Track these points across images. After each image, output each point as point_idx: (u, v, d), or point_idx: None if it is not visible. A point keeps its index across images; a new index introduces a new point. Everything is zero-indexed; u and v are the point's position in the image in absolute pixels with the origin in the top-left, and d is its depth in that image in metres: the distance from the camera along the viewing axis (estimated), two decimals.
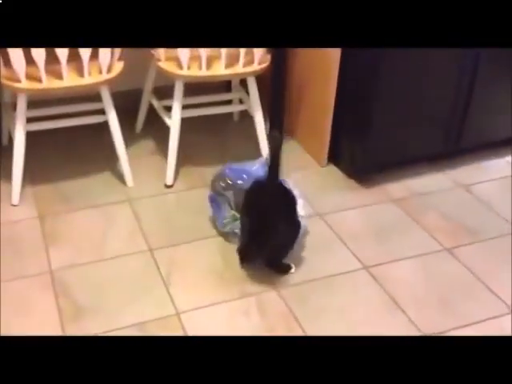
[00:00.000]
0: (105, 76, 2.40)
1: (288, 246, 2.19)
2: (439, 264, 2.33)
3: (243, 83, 2.83)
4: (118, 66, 2.44)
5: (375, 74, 2.51)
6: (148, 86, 2.86)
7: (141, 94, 2.91)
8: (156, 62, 2.54)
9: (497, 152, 2.99)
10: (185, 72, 2.47)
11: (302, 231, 2.23)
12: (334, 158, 2.84)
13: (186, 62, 2.44)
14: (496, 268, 2.32)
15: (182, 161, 2.74)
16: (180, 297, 2.12)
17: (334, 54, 2.59)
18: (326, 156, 2.83)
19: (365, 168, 2.73)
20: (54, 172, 2.69)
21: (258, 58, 2.52)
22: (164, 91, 2.78)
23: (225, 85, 3.06)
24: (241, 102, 2.98)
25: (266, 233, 2.07)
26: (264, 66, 2.58)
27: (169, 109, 2.63)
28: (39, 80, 2.30)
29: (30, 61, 2.23)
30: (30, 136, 2.47)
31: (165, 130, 2.64)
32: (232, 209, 2.33)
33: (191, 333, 1.98)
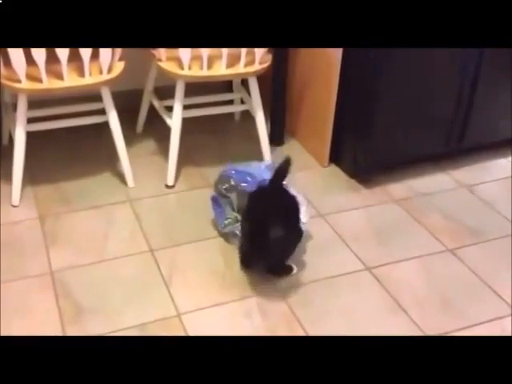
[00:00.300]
0: (105, 76, 2.39)
1: (289, 252, 2.18)
2: (442, 265, 2.32)
3: (244, 83, 2.82)
4: (119, 66, 2.44)
5: (377, 74, 2.50)
6: (149, 86, 2.86)
7: (142, 94, 2.91)
8: (157, 62, 2.53)
9: (499, 152, 2.98)
10: (186, 72, 2.46)
11: (303, 237, 2.22)
12: (336, 158, 2.83)
13: (187, 62, 2.43)
14: (499, 269, 2.30)
15: (182, 161, 2.73)
16: (181, 298, 2.11)
17: (335, 54, 2.58)
18: (327, 156, 2.82)
19: (367, 168, 2.72)
20: (54, 172, 2.68)
21: (259, 58, 2.51)
22: (165, 91, 2.77)
23: (226, 85, 3.05)
24: (242, 102, 2.97)
25: (267, 238, 2.05)
26: (265, 65, 2.57)
27: (170, 109, 2.62)
28: (40, 80, 2.29)
29: (30, 61, 2.22)
30: (31, 136, 2.46)
31: (166, 130, 2.63)
32: (234, 211, 2.32)
33: (192, 334, 1.97)
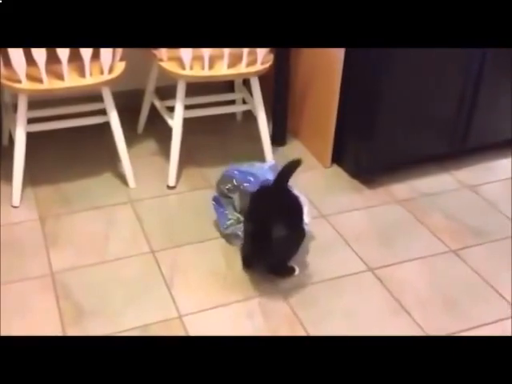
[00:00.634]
0: (106, 76, 2.38)
1: (291, 253, 2.17)
2: (445, 265, 2.31)
3: (246, 83, 2.81)
4: (120, 67, 2.43)
5: (379, 74, 2.49)
6: (150, 86, 2.85)
7: (143, 95, 2.90)
8: (158, 62, 2.52)
9: (502, 152, 2.97)
10: (187, 72, 2.45)
11: (306, 237, 2.21)
12: (338, 158, 2.82)
13: (189, 62, 2.42)
14: (502, 269, 2.29)
15: (184, 162, 2.72)
16: (182, 299, 2.10)
17: (337, 54, 2.57)
18: (330, 157, 2.81)
19: (369, 169, 2.70)
20: (54, 173, 2.67)
21: (261, 58, 2.50)
22: (166, 91, 2.76)
23: (227, 85, 3.04)
24: (244, 102, 2.96)
25: (269, 238, 2.04)
26: (267, 65, 2.56)
27: (171, 109, 2.61)
28: (40, 80, 2.28)
29: (30, 61, 2.21)
30: (31, 137, 2.45)
31: (167, 130, 2.62)
32: (236, 211, 2.30)
33: (194, 335, 1.96)
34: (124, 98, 2.72)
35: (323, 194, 2.65)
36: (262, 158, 2.72)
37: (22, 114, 2.37)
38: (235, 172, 2.34)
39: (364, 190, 2.70)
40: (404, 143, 2.68)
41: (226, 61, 2.44)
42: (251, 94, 2.69)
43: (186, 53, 2.39)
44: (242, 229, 2.22)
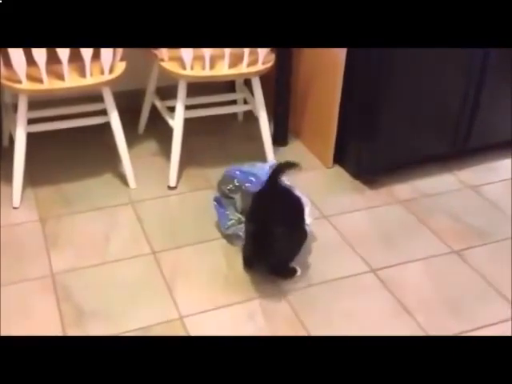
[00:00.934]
0: (107, 76, 2.37)
1: (293, 254, 2.16)
2: (447, 266, 2.29)
3: (247, 83, 2.80)
4: (120, 67, 2.42)
5: (381, 74, 2.48)
6: (151, 87, 2.84)
7: (143, 95, 2.89)
8: (159, 62, 2.51)
9: (505, 152, 2.95)
10: (188, 72, 2.44)
11: (308, 238, 2.20)
12: (340, 159, 2.81)
13: (190, 62, 2.41)
14: (505, 270, 2.28)
15: (185, 162, 2.71)
16: (184, 300, 2.09)
17: (339, 54, 2.56)
18: (331, 157, 2.80)
19: (371, 169, 2.69)
20: (55, 174, 2.66)
21: (262, 58, 2.49)
22: (167, 91, 2.75)
23: (228, 85, 3.03)
24: (245, 102, 2.95)
25: (271, 239, 2.03)
26: (268, 65, 2.55)
27: (172, 109, 2.60)
28: (40, 81, 2.28)
29: (30, 61, 2.21)
30: (31, 137, 2.44)
31: (168, 130, 2.61)
32: (237, 212, 2.29)
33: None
34: (125, 98, 2.72)
35: (325, 194, 2.64)
36: (264, 159, 2.71)
37: (22, 114, 2.36)
38: (237, 172, 2.33)
39: (366, 191, 2.68)
40: (406, 143, 2.67)
41: (226, 61, 2.43)
42: (252, 94, 2.68)
43: (186, 53, 2.38)
44: (244, 229, 2.21)
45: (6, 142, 2.79)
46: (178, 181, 2.65)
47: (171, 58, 2.48)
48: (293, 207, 2.15)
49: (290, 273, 2.19)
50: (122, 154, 2.56)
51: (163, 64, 2.48)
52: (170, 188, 2.63)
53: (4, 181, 2.56)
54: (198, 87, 2.64)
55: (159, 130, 2.90)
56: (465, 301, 2.14)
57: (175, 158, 2.58)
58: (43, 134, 2.54)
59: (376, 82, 2.50)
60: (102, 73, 2.36)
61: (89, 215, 2.45)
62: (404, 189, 2.70)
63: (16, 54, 2.18)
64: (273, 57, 2.58)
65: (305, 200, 2.24)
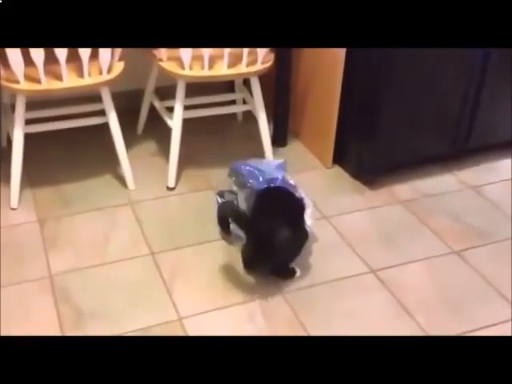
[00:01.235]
0: (105, 77, 2.36)
1: (294, 255, 2.15)
2: (448, 267, 2.29)
3: (246, 83, 2.79)
4: (119, 67, 2.40)
5: (381, 74, 2.47)
6: (149, 87, 2.83)
7: (142, 95, 2.88)
8: (157, 62, 2.50)
9: (505, 153, 2.94)
10: (187, 72, 2.43)
11: (308, 239, 2.19)
12: (340, 159, 2.80)
13: (188, 62, 2.40)
14: (506, 271, 2.27)
15: (184, 163, 2.70)
16: (183, 301, 2.08)
17: (339, 54, 2.55)
18: (331, 157, 2.79)
19: (371, 169, 2.68)
20: (53, 174, 2.65)
21: (262, 58, 2.48)
22: (166, 91, 2.74)
23: (228, 85, 3.02)
24: (244, 102, 2.94)
25: (274, 240, 2.02)
26: (267, 65, 2.54)
27: (171, 109, 2.58)
28: (38, 81, 2.27)
29: (28, 61, 2.19)
30: (29, 138, 2.43)
31: (167, 131, 2.60)
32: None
33: None
34: (123, 98, 2.71)
35: (325, 194, 2.63)
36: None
37: (20, 114, 2.35)
38: (243, 166, 2.32)
39: (366, 191, 2.67)
40: (406, 143, 2.66)
41: (225, 61, 2.42)
42: (251, 94, 2.68)
43: (185, 53, 2.37)
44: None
45: (4, 143, 2.78)
46: (177, 181, 2.64)
47: (170, 58, 2.47)
48: (294, 208, 2.14)
49: (289, 273, 2.18)
50: (120, 155, 2.54)
51: (162, 64, 2.47)
52: (168, 189, 2.61)
53: (2, 181, 2.54)
54: (196, 87, 2.63)
55: (158, 130, 2.89)
56: (465, 301, 2.13)
57: (174, 158, 2.57)
58: (41, 135, 2.52)
59: (376, 81, 2.49)
60: (101, 73, 2.35)
61: (87, 216, 2.44)
62: (404, 189, 2.69)
63: (14, 54, 2.17)
64: (272, 56, 2.57)
65: (307, 201, 2.23)
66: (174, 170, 2.59)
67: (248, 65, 2.48)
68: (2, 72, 2.27)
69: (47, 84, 2.28)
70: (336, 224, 2.46)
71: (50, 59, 2.21)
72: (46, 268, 2.18)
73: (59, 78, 2.29)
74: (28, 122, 2.41)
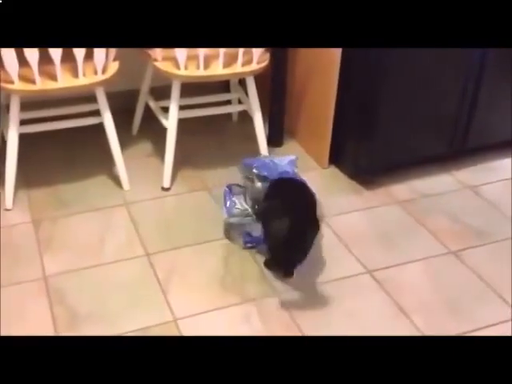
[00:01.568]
0: (100, 77, 2.35)
1: (307, 245, 2.11)
2: (446, 267, 2.28)
3: (242, 83, 2.77)
4: (114, 67, 2.39)
5: (377, 74, 2.46)
6: (145, 87, 2.81)
7: (137, 95, 2.86)
8: (153, 62, 2.49)
9: (503, 152, 2.94)
10: (182, 72, 2.41)
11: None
12: (336, 159, 2.78)
13: (184, 62, 2.39)
14: (504, 271, 2.26)
15: (179, 163, 2.68)
16: (178, 303, 2.07)
17: (334, 54, 2.53)
18: (327, 158, 2.78)
19: (368, 169, 2.67)
20: (48, 175, 2.64)
21: (257, 58, 2.47)
22: (161, 92, 2.73)
23: (223, 85, 3.01)
24: (240, 102, 2.93)
25: (303, 239, 2.01)
26: (263, 65, 2.53)
27: (166, 110, 2.57)
28: (33, 81, 2.25)
29: (23, 61, 2.18)
30: (24, 138, 2.42)
31: (162, 131, 2.59)
32: (245, 201, 2.27)
33: None
34: (118, 98, 2.69)
35: (321, 195, 2.60)
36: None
37: (15, 115, 2.33)
38: (256, 162, 2.31)
39: (363, 191, 2.66)
40: (403, 143, 2.65)
41: (221, 60, 2.41)
42: (247, 94, 2.66)
43: (180, 52, 2.36)
44: (251, 225, 2.20)
45: None
46: (172, 182, 2.62)
47: (165, 58, 2.46)
48: (307, 198, 2.11)
49: (288, 274, 2.16)
50: (115, 155, 2.53)
51: (157, 64, 2.46)
52: (164, 189, 2.60)
53: None
54: (192, 87, 2.61)
55: (153, 130, 2.87)
56: (463, 301, 2.12)
57: (169, 158, 2.56)
58: (36, 135, 2.51)
59: (372, 81, 2.48)
60: (95, 73, 2.34)
61: (82, 217, 2.42)
62: (402, 189, 2.68)
63: (8, 55, 2.15)
64: (267, 56, 2.56)
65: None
66: (169, 171, 2.58)
67: (243, 64, 2.47)
68: None
69: (42, 84, 2.27)
70: (333, 224, 2.45)
71: (45, 59, 2.20)
72: (41, 269, 2.17)
73: (54, 78, 2.28)
74: (23, 122, 2.40)
